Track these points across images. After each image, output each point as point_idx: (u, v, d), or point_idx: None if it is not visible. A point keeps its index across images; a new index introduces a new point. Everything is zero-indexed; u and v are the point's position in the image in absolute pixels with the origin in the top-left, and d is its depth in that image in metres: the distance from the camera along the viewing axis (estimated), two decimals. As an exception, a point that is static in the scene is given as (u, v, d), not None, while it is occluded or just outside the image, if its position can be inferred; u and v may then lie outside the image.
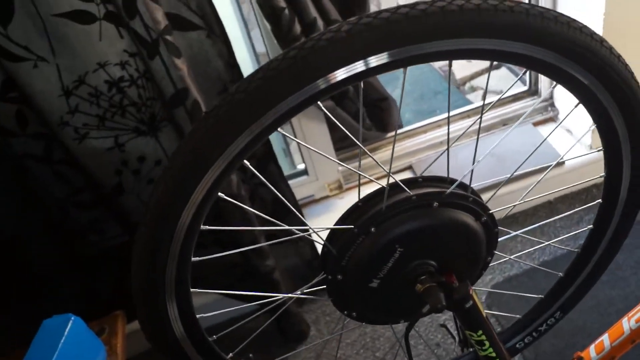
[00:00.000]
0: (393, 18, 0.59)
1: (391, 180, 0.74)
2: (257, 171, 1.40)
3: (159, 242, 0.67)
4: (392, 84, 2.71)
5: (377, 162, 0.72)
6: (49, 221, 1.35)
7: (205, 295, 1.58)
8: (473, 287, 0.79)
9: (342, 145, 1.78)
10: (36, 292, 1.47)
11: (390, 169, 0.73)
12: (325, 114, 0.69)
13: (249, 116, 0.61)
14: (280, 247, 1.56)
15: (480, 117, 0.77)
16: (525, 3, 0.64)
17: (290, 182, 1.75)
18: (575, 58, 0.67)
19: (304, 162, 1.77)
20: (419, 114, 2.53)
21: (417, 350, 1.56)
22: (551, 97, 1.95)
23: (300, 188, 1.76)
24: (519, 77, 0.86)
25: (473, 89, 2.67)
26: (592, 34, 0.67)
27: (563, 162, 1.79)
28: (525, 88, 1.99)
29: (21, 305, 1.40)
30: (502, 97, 1.98)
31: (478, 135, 0.78)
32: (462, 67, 2.74)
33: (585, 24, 0.68)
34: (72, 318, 1.08)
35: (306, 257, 1.58)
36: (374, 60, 0.60)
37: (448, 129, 0.78)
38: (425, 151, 1.87)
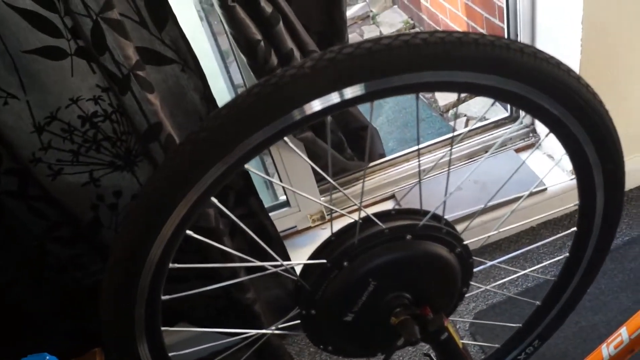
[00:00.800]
0: (356, 53, 0.59)
1: (363, 214, 0.74)
2: (237, 204, 1.41)
3: (126, 280, 0.66)
4: (375, 112, 2.73)
5: (347, 196, 0.72)
6: (29, 259, 1.33)
7: (186, 332, 1.57)
8: (452, 318, 0.78)
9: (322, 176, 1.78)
10: (20, 332, 1.45)
11: (361, 202, 0.73)
12: (306, 144, 0.69)
13: (213, 154, 0.61)
14: (262, 279, 1.55)
15: (451, 149, 0.78)
16: (491, 36, 0.65)
17: (272, 213, 1.74)
18: (542, 88, 0.67)
19: (285, 194, 1.76)
20: (403, 142, 2.55)
21: (402, 381, 1.55)
22: (532, 123, 1.97)
23: (282, 219, 1.76)
24: (493, 103, 0.86)
25: (457, 116, 2.69)
26: (558, 64, 0.68)
27: (545, 189, 1.79)
28: (507, 114, 2.00)
29: (5, 347, 1.38)
30: (483, 124, 1.99)
31: (449, 166, 0.77)
32: (444, 96, 2.76)
33: (555, 55, 0.68)
34: (47, 358, 1.07)
35: (288, 289, 1.57)
36: (330, 98, 0.60)
37: (419, 160, 0.79)
38: (409, 179, 1.87)
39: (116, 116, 1.14)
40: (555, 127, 0.73)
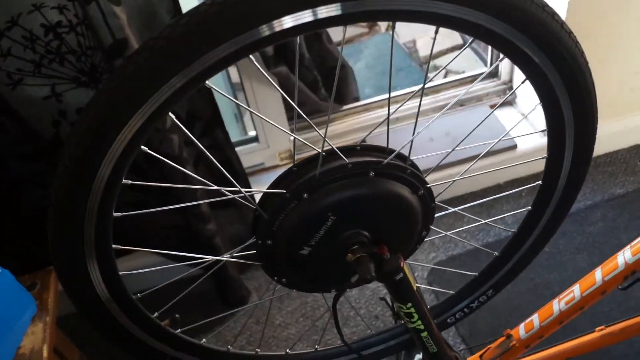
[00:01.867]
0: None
1: (327, 147, 0.72)
2: (204, 135, 1.38)
3: (75, 196, 0.63)
4: (354, 57, 2.69)
5: (311, 123, 0.70)
6: None
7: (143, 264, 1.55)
8: (411, 262, 0.78)
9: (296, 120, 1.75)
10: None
11: (325, 133, 0.71)
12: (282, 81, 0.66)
13: (171, 66, 0.56)
14: (224, 213, 1.53)
15: (423, 87, 0.75)
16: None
17: (240, 148, 1.72)
18: (524, 30, 0.65)
19: (255, 129, 1.73)
20: (380, 89, 2.52)
21: (356, 321, 1.56)
22: (510, 80, 1.95)
23: (250, 155, 1.73)
24: (467, 44, 0.83)
25: (436, 68, 2.66)
26: (544, 6, 0.65)
27: (515, 146, 1.80)
28: (485, 69, 1.99)
29: None
30: (460, 77, 1.98)
31: (419, 105, 0.75)
32: (425, 46, 2.73)
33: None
34: (0, 270, 1.05)
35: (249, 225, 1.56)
36: (303, 16, 0.57)
37: (389, 96, 0.76)
38: (383, 126, 1.85)
39: (81, 29, 1.09)
40: (532, 73, 0.71)
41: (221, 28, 0.55)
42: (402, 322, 0.95)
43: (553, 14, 0.66)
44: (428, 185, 0.79)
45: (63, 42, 1.09)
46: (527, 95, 1.87)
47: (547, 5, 0.66)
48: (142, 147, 0.63)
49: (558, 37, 0.67)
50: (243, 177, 1.51)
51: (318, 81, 1.66)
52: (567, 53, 0.69)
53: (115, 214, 0.67)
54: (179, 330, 0.85)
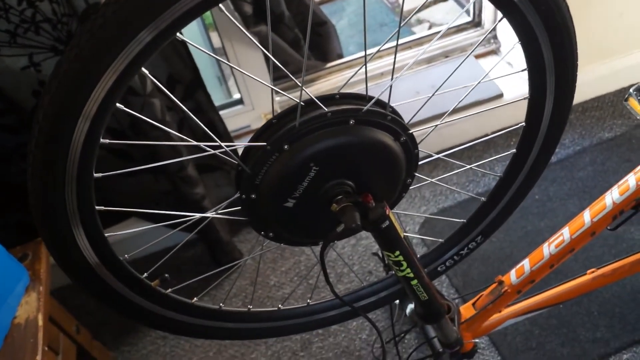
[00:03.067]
0: None
1: (305, 96, 0.71)
2: (185, 98, 1.37)
3: (52, 159, 0.62)
4: (337, 14, 2.65)
5: (286, 71, 0.69)
6: None
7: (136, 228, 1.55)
8: (404, 212, 0.77)
9: (280, 74, 1.73)
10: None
11: (302, 82, 0.70)
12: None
13: (141, 17, 0.55)
14: (212, 176, 1.53)
15: (398, 30, 0.74)
16: None
17: (225, 111, 1.71)
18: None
19: (239, 91, 1.71)
20: (363, 47, 2.49)
21: (350, 277, 1.57)
22: (494, 29, 1.93)
23: (235, 118, 1.72)
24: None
25: (419, 22, 2.63)
26: None
27: (501, 95, 1.79)
28: (469, 19, 1.96)
29: None
30: (443, 28, 1.95)
31: (396, 46, 0.74)
32: (409, 1, 2.69)
33: None
34: None
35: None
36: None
37: (365, 41, 0.75)
38: (370, 81, 1.84)
39: None
40: (509, 11, 0.70)
41: None
42: (393, 272, 0.96)
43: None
44: (410, 132, 0.78)
45: (37, 10, 1.07)
46: (511, 43, 1.85)
47: None
48: (118, 105, 0.62)
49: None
50: (227, 138, 1.50)
51: (299, 39, 1.64)
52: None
53: (95, 175, 0.66)
54: (169, 290, 0.85)
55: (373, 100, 0.74)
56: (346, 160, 0.75)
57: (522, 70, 0.80)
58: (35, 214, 0.67)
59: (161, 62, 1.28)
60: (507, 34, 1.88)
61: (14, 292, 1.10)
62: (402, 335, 1.37)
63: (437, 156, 0.89)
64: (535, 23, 0.71)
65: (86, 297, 0.77)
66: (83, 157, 0.63)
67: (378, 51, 0.88)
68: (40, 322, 1.08)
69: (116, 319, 0.86)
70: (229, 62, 1.57)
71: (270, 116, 1.74)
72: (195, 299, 0.89)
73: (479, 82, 0.89)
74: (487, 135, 1.84)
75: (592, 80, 1.87)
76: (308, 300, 1.00)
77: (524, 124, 0.88)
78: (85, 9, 1.04)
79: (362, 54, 1.88)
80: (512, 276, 1.07)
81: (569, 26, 0.74)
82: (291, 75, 0.71)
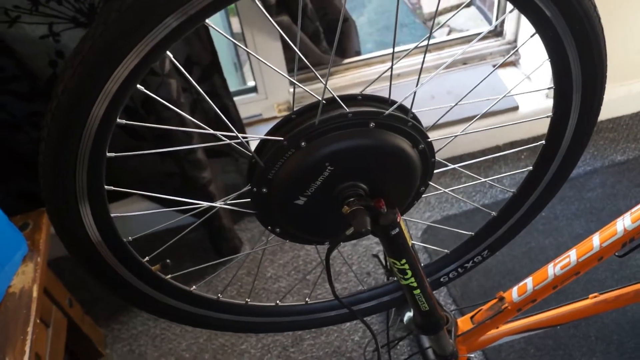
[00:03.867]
0: None
1: (328, 94, 0.69)
2: (201, 80, 1.35)
3: (67, 135, 0.61)
4: (357, 10, 2.64)
5: (311, 67, 0.68)
6: None
7: (139, 206, 1.54)
8: (408, 219, 0.76)
9: (298, 65, 1.72)
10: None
11: (326, 81, 0.68)
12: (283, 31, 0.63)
13: (169, 2, 0.54)
14: (220, 161, 1.52)
15: (429, 37, 0.72)
16: None
17: (238, 98, 1.69)
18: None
19: (254, 79, 1.70)
20: (381, 45, 2.48)
21: (348, 277, 1.56)
22: (515, 40, 1.91)
23: (248, 105, 1.70)
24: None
25: (439, 25, 2.61)
26: None
27: (517, 107, 1.77)
28: (491, 28, 1.95)
29: None
30: (464, 35, 1.94)
31: (424, 57, 0.73)
32: (430, 2, 2.67)
33: None
34: None
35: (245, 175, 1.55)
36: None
37: (394, 47, 0.74)
38: (383, 82, 1.82)
39: None
40: (543, 27, 0.68)
41: None
42: (395, 279, 0.94)
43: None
44: (429, 140, 0.77)
45: None
46: (531, 56, 1.83)
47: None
48: (138, 86, 0.60)
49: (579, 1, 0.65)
50: (240, 126, 1.49)
51: (320, 33, 1.62)
52: (578, 6, 0.66)
53: (108, 154, 0.65)
54: (169, 275, 0.84)
55: (396, 105, 0.72)
56: (362, 163, 0.74)
57: (549, 89, 0.78)
58: (44, 186, 0.66)
59: (180, 43, 1.27)
60: (528, 46, 1.87)
61: (11, 260, 1.09)
62: (397, 342, 1.36)
63: (453, 166, 0.87)
64: (567, 39, 0.70)
65: (82, 271, 0.76)
66: (98, 136, 0.62)
67: (406, 54, 0.87)
68: (35, 294, 1.07)
69: (109, 296, 0.85)
70: (248, 54, 1.56)
71: (282, 107, 1.74)
72: (194, 287, 0.88)
73: (501, 98, 0.87)
74: (499, 147, 1.83)
75: (608, 101, 1.82)
76: (307, 299, 0.98)
77: (543, 142, 0.86)
78: (110, -17, 1.03)
79: (380, 53, 1.86)
80: (514, 293, 1.06)
81: (602, 47, 0.73)
82: (316, 73, 0.70)
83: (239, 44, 0.69)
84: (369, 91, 0.74)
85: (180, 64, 1.29)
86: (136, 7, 0.54)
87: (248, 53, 1.34)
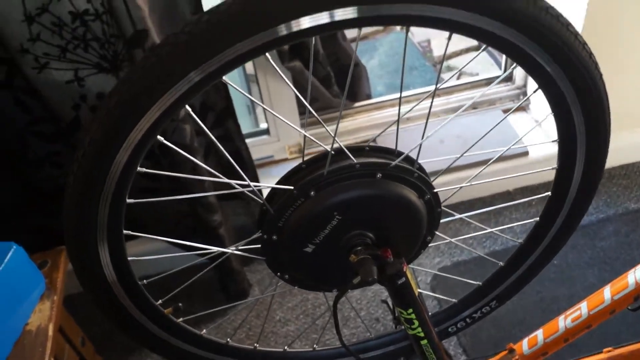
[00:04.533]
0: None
1: (336, 145, 0.71)
2: (216, 125, 1.39)
3: (92, 180, 0.65)
4: (368, 54, 2.68)
5: (321, 122, 0.70)
6: (8, 151, 1.33)
7: (152, 246, 1.56)
8: (415, 267, 0.77)
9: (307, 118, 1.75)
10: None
11: (335, 133, 0.70)
12: (296, 75, 0.65)
13: (191, 60, 0.58)
14: (231, 204, 1.54)
15: (434, 90, 0.75)
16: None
17: (250, 140, 1.72)
18: (537, 39, 0.64)
19: (266, 121, 1.73)
20: (392, 88, 2.51)
21: (356, 323, 1.56)
22: (524, 85, 1.94)
23: (260, 147, 1.74)
24: (482, 49, 0.82)
25: (450, 69, 2.65)
26: (558, 16, 0.65)
27: (526, 153, 1.79)
28: (500, 73, 1.97)
29: None
30: (474, 80, 1.97)
31: (430, 109, 0.75)
32: (440, 46, 2.71)
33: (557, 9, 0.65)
34: (14, 246, 1.07)
35: (256, 218, 1.57)
36: (320, 17, 0.57)
37: (400, 101, 0.76)
38: (393, 125, 1.85)
39: (107, 17, 1.12)
40: (545, 82, 0.70)
41: (240, 27, 0.57)
42: (403, 327, 0.95)
43: (567, 25, 0.65)
44: (435, 190, 0.79)
45: (89, 29, 1.11)
46: (541, 102, 1.85)
47: (562, 16, 0.65)
48: (159, 137, 0.63)
49: (572, 48, 0.66)
50: (251, 170, 1.51)
51: (331, 77, 1.66)
52: (580, 64, 0.68)
53: (128, 200, 0.68)
54: (180, 319, 0.85)
55: (402, 157, 0.74)
56: (369, 212, 0.75)
57: (553, 141, 0.80)
58: (67, 227, 0.69)
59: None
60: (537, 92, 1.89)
61: (29, 298, 1.11)
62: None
63: (459, 216, 0.89)
64: (570, 97, 0.72)
65: (95, 309, 0.78)
66: (120, 182, 0.66)
67: (412, 107, 0.89)
68: (50, 332, 1.09)
69: (121, 335, 0.87)
70: (261, 97, 1.60)
71: (294, 149, 1.77)
72: (204, 330, 0.89)
73: (509, 147, 0.89)
74: (509, 192, 1.84)
75: (621, 148, 1.86)
76: (315, 345, 0.99)
77: (549, 193, 0.87)
78: (133, 34, 1.08)
79: (390, 97, 1.89)
80: (524, 346, 1.05)
81: (604, 102, 0.74)
82: (325, 126, 0.72)
83: (253, 98, 0.72)
84: (378, 135, 0.76)
85: (195, 108, 1.33)
86: (161, 64, 0.58)
87: (262, 104, 1.37)
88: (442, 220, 0.82)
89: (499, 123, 0.93)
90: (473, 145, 0.86)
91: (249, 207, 1.57)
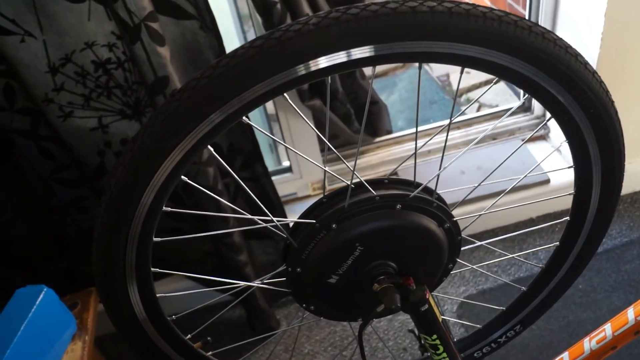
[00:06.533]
0: (362, 14, 0.59)
1: (356, 179, 0.74)
2: (243, 167, 1.42)
3: (119, 222, 0.67)
4: (388, 90, 2.72)
5: (341, 157, 0.73)
6: (33, 198, 1.36)
7: (180, 284, 1.59)
8: (444, 296, 0.79)
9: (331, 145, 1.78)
10: (16, 269, 1.47)
11: (354, 167, 0.73)
12: (315, 113, 0.69)
13: (211, 103, 0.61)
14: (261, 243, 1.56)
15: (449, 125, 0.77)
16: (499, 10, 0.64)
17: (274, 178, 1.75)
18: (546, 70, 0.66)
19: (289, 159, 1.77)
20: (412, 122, 2.54)
21: (384, 353, 1.56)
22: (543, 114, 1.96)
23: (283, 185, 1.76)
24: (494, 81, 0.85)
25: (469, 101, 2.67)
26: (567, 47, 0.67)
27: (548, 180, 1.79)
28: (519, 103, 1.99)
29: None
30: (493, 111, 1.99)
31: (445, 141, 0.78)
32: (461, 78, 2.74)
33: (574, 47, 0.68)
34: (45, 289, 1.09)
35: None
36: (337, 57, 0.60)
37: (416, 134, 0.79)
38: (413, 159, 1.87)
39: (129, 65, 1.16)
40: (557, 111, 0.72)
41: (258, 69, 0.60)
42: (429, 354, 0.96)
43: (576, 55, 0.68)
44: (454, 219, 0.81)
45: (111, 77, 1.15)
46: (560, 130, 1.86)
47: (571, 47, 0.68)
48: (182, 177, 0.67)
49: (589, 85, 0.69)
50: (279, 208, 1.53)
51: (351, 114, 1.69)
52: (596, 100, 0.71)
53: (155, 239, 0.71)
54: (209, 352, 0.88)
55: (420, 188, 0.77)
56: (390, 243, 0.78)
57: (569, 167, 0.82)
58: (96, 269, 0.72)
59: (224, 134, 1.34)
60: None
61: (61, 339, 1.14)
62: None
63: (480, 243, 0.90)
64: (583, 123, 0.74)
65: (126, 348, 0.81)
66: (146, 222, 0.69)
67: (427, 142, 0.92)
68: (83, 372, 1.11)
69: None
70: (282, 135, 1.64)
71: (317, 186, 1.80)
72: (233, 365, 0.91)
73: (526, 175, 0.91)
74: (532, 219, 1.84)
75: (641, 172, 1.86)
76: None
77: (568, 218, 0.89)
78: (154, 80, 1.12)
79: (409, 131, 1.92)
80: (551, 369, 1.05)
81: (616, 127, 0.76)
82: (344, 161, 0.75)
83: (275, 138, 0.76)
84: (399, 168, 0.78)
85: (223, 151, 1.37)
86: (183, 107, 0.62)
87: (283, 140, 1.40)
88: (465, 248, 0.84)
89: (515, 151, 0.95)
90: (491, 173, 0.88)
91: (278, 246, 1.59)
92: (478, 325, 1.03)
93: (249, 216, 0.77)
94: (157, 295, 0.78)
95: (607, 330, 1.01)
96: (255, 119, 1.75)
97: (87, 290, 1.28)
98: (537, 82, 0.68)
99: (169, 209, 0.70)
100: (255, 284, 0.86)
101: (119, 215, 0.67)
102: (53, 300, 1.13)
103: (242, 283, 0.86)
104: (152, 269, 0.75)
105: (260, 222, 0.78)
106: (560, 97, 0.70)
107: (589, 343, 1.03)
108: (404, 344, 1.57)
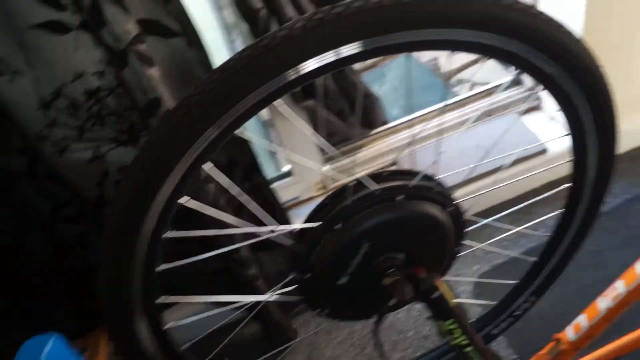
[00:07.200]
0: (346, 12, 0.60)
1: (356, 176, 0.75)
2: (244, 180, 1.41)
3: (122, 252, 0.67)
4: (378, 81, 2.73)
5: (339, 155, 0.73)
6: (37, 237, 1.35)
7: (190, 308, 1.58)
8: (459, 278, 0.79)
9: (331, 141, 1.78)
10: (24, 310, 1.46)
11: (353, 165, 0.74)
12: (310, 113, 0.69)
13: (205, 119, 0.61)
14: (271, 254, 1.55)
15: (443, 108, 0.78)
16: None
17: (275, 184, 1.75)
18: (532, 44, 0.67)
19: (289, 164, 1.77)
20: (407, 109, 2.54)
21: (406, 344, 1.57)
22: (535, 86, 1.95)
23: (285, 190, 1.76)
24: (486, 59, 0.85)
25: (460, 82, 2.68)
26: (549, 19, 0.68)
27: (545, 150, 1.80)
28: (511, 78, 1.99)
29: (7, 322, 1.39)
30: (485, 88, 1.99)
31: (440, 128, 0.78)
32: (448, 62, 2.75)
33: (559, 14, 0.68)
34: (52, 338, 1.08)
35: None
36: (325, 57, 0.61)
37: (413, 121, 0.79)
38: (411, 146, 1.88)
39: (120, 90, 1.14)
40: (547, 83, 0.73)
41: (249, 78, 0.60)
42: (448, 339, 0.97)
43: (559, 26, 0.68)
44: (456, 201, 0.81)
45: (103, 105, 1.14)
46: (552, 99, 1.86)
47: (553, 19, 0.68)
48: (189, 202, 0.68)
49: (567, 47, 0.70)
50: (284, 218, 1.52)
51: (345, 110, 1.69)
52: (584, 68, 0.72)
53: (158, 268, 0.72)
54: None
55: (419, 176, 0.77)
56: (396, 234, 0.78)
57: (565, 135, 0.83)
58: (102, 302, 0.72)
59: (221, 149, 1.33)
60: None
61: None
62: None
63: (486, 221, 0.91)
64: (574, 91, 0.75)
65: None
66: (149, 251, 0.69)
67: (423, 125, 0.93)
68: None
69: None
70: (280, 140, 1.64)
71: (320, 185, 1.80)
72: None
73: (525, 148, 0.91)
74: (535, 190, 1.84)
75: (637, 130, 1.86)
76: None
77: (570, 184, 0.89)
78: (146, 103, 1.12)
79: (404, 119, 1.92)
80: (569, 333, 1.05)
81: (606, 90, 0.77)
82: (344, 158, 0.76)
83: (273, 144, 0.76)
84: (398, 157, 0.77)
85: (223, 165, 1.36)
86: (179, 126, 0.62)
87: (281, 144, 1.40)
88: (472, 227, 0.84)
89: (511, 126, 0.95)
90: (488, 151, 0.89)
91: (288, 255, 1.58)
92: (493, 302, 1.03)
93: (253, 229, 0.78)
94: (169, 323, 0.77)
95: (620, 286, 1.01)
96: (250, 126, 1.76)
97: (96, 333, 1.27)
98: (524, 58, 0.68)
99: (171, 235, 0.70)
100: (265, 298, 0.86)
101: (122, 245, 0.67)
102: (63, 346, 1.11)
103: (251, 299, 0.85)
104: (161, 297, 0.75)
105: (261, 234, 0.78)
106: (548, 68, 0.70)
107: (603, 302, 1.03)
108: (424, 332, 1.57)
